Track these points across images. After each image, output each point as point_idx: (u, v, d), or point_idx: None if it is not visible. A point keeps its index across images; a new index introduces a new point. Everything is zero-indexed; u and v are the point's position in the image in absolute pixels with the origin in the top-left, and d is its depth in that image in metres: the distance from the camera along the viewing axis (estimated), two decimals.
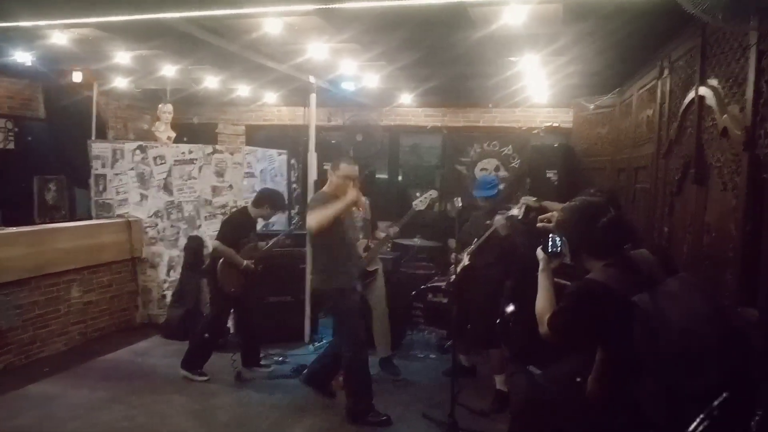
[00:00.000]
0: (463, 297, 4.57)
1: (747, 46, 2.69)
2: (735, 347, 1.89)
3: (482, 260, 4.58)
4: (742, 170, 2.71)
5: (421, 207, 5.02)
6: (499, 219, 4.39)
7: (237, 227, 4.89)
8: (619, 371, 2.03)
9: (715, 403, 1.64)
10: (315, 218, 4.02)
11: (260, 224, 6.09)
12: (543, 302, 2.29)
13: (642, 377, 1.94)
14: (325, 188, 4.35)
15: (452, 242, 4.67)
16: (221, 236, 4.87)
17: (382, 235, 5.24)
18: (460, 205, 4.36)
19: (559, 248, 2.32)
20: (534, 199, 4.42)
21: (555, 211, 2.45)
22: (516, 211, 4.37)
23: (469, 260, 4.63)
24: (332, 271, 4.22)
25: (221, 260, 4.79)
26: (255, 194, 5.20)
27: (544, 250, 2.37)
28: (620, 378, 2.02)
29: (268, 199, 4.97)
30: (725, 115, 2.91)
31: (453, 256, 4.57)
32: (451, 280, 4.72)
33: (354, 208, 4.30)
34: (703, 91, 3.27)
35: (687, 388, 1.85)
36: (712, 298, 1.96)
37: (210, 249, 5.44)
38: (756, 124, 2.58)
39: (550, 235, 2.35)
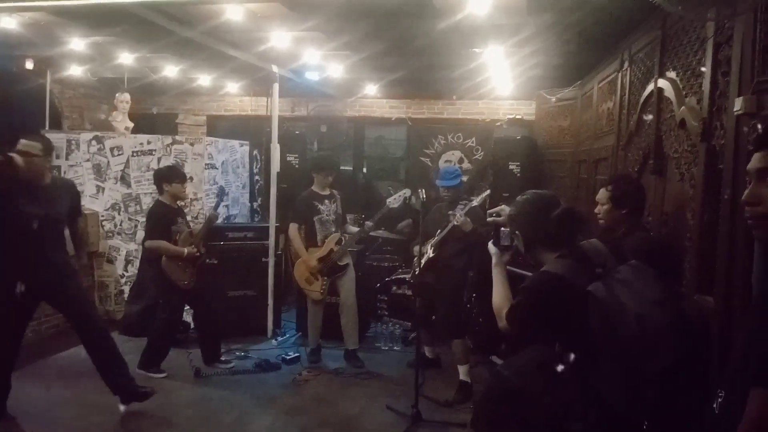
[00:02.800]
0: (427, 288, 4.57)
1: (705, 39, 2.74)
2: (686, 329, 1.97)
3: (448, 251, 4.59)
4: (699, 161, 2.76)
5: (395, 205, 5.10)
6: (459, 216, 4.40)
7: (158, 220, 4.74)
8: (578, 359, 2.07)
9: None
10: None
11: (221, 218, 6.01)
12: (499, 297, 2.32)
13: (600, 363, 1.99)
14: None
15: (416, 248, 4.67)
16: (148, 234, 4.76)
17: (354, 229, 5.25)
18: (425, 197, 4.39)
19: (510, 242, 2.34)
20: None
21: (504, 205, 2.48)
22: (476, 201, 4.44)
23: (434, 252, 4.64)
24: None
25: (163, 258, 4.68)
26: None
27: (496, 244, 2.39)
28: (580, 365, 2.06)
29: (164, 179, 4.78)
30: (683, 107, 2.96)
31: (417, 248, 4.58)
32: (416, 272, 4.73)
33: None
34: (661, 83, 3.32)
35: (644, 371, 1.92)
36: (662, 283, 2.03)
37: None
38: (712, 116, 2.63)
39: (501, 229, 2.37)
